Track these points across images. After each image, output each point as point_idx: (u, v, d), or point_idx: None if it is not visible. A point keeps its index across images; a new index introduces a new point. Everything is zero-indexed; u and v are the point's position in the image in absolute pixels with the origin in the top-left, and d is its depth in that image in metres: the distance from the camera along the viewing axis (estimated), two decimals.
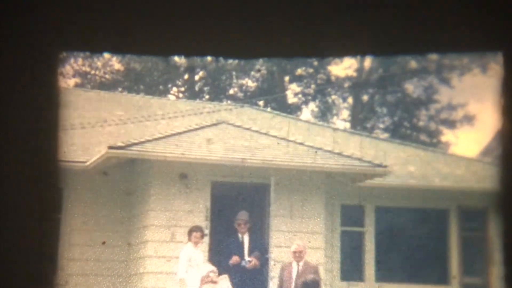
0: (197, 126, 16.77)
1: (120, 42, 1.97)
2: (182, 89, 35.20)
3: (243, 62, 30.43)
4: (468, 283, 17.80)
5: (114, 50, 2.04)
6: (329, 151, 16.38)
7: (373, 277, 17.07)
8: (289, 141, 16.69)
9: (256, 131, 16.97)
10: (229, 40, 1.97)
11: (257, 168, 15.21)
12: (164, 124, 18.57)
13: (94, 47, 2.00)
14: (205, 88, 35.15)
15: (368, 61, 33.30)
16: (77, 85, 31.90)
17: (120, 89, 33.24)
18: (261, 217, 15.42)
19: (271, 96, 33.31)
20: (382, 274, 17.02)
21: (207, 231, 14.51)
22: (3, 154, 1.86)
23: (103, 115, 18.57)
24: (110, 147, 14.82)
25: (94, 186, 15.58)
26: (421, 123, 34.36)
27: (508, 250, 1.83)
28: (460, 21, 1.89)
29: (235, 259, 13.76)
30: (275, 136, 16.92)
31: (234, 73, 35.05)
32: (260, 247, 14.24)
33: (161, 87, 34.51)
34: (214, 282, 12.86)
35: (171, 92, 35.13)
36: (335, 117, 35.41)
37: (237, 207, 15.39)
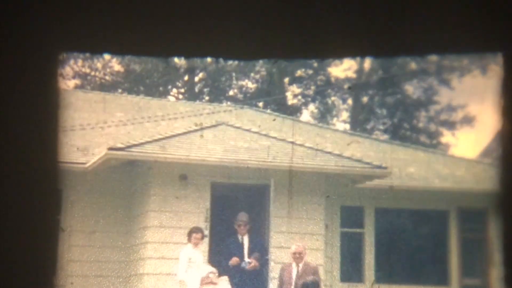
0: (197, 127, 16.76)
1: (120, 43, 1.97)
2: (182, 90, 35.19)
3: (243, 63, 30.43)
4: (468, 284, 17.80)
5: (114, 51, 2.04)
6: (329, 153, 16.38)
7: (372, 278, 17.07)
8: (289, 142, 16.69)
9: (256, 132, 16.97)
10: (229, 41, 1.97)
11: (257, 169, 15.21)
12: (164, 125, 18.57)
13: (94, 48, 2.00)
14: (205, 90, 35.15)
15: (368, 63, 33.30)
16: (77, 87, 31.90)
17: (120, 90, 33.23)
18: (261, 218, 15.41)
19: (271, 98, 33.31)
20: (382, 275, 17.01)
21: (207, 232, 14.50)
22: (3, 155, 1.86)
23: (103, 116, 18.57)
24: (110, 149, 14.82)
25: (93, 187, 15.58)
26: (421, 124, 34.35)
27: (508, 251, 1.83)
28: (460, 22, 1.89)
29: (235, 260, 13.76)
30: (275, 137, 16.91)
31: (234, 74, 35.05)
32: (260, 248, 14.24)
33: (161, 88, 34.51)
34: (214, 283, 12.86)
35: (171, 93, 35.12)
36: (335, 119, 35.42)
37: (237, 208, 15.39)
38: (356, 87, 34.09)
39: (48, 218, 1.87)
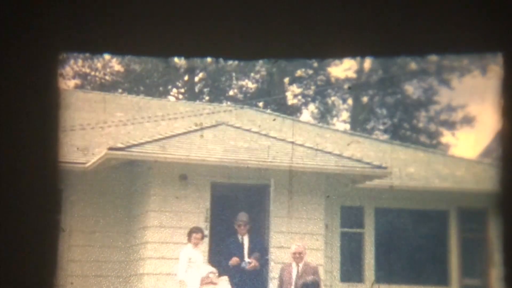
0: (197, 127, 16.76)
1: (120, 43, 1.97)
2: (182, 90, 35.19)
3: (243, 63, 30.42)
4: (468, 284, 17.80)
5: (114, 51, 2.04)
6: (329, 153, 16.38)
7: (372, 278, 17.07)
8: (289, 142, 16.69)
9: (256, 132, 16.97)
10: (229, 41, 1.97)
11: (257, 169, 15.21)
12: (164, 125, 18.56)
13: (94, 48, 2.00)
14: (205, 90, 35.14)
15: (368, 63, 33.29)
16: (77, 87, 31.89)
17: (120, 90, 33.23)
18: (261, 218, 15.41)
19: (271, 98, 33.30)
20: (382, 275, 17.01)
21: (207, 232, 14.50)
22: (3, 155, 1.86)
23: (103, 116, 18.56)
24: (110, 148, 14.81)
25: (93, 187, 15.57)
26: (421, 124, 34.34)
27: (508, 251, 1.83)
28: (460, 22, 1.89)
29: (235, 260, 13.76)
30: (274, 137, 16.91)
31: (234, 74, 35.05)
32: (260, 248, 14.24)
33: (161, 88, 34.50)
34: (214, 283, 12.86)
35: (171, 93, 35.12)
36: (335, 119, 35.41)
37: (237, 208, 15.39)
38: (356, 87, 34.10)
39: (48, 218, 1.87)
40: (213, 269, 13.14)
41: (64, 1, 1.88)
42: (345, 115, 35.34)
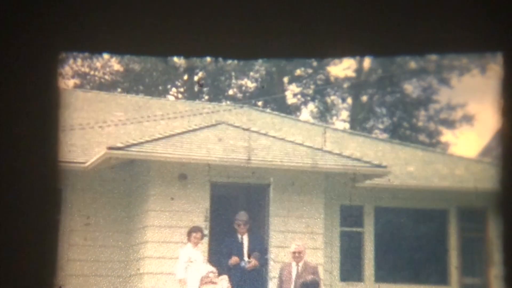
0: (196, 127, 16.76)
1: (120, 43, 1.97)
2: (182, 89, 35.19)
3: (242, 62, 30.43)
4: (468, 284, 17.80)
5: (114, 51, 2.04)
6: (329, 152, 16.38)
7: (372, 278, 17.07)
8: (288, 141, 16.69)
9: (256, 132, 16.97)
10: (228, 40, 1.97)
11: (257, 169, 15.21)
12: (164, 124, 18.56)
13: (94, 48, 2.00)
14: (205, 89, 35.15)
15: (367, 62, 33.30)
16: (76, 86, 31.89)
17: (119, 89, 33.23)
18: (261, 217, 15.41)
19: (270, 97, 33.31)
20: (382, 274, 17.02)
21: (206, 232, 14.50)
22: (2, 155, 1.86)
23: (103, 115, 18.57)
24: (110, 148, 14.81)
25: (93, 186, 15.57)
26: (420, 124, 34.35)
27: (508, 251, 1.83)
28: (460, 22, 1.89)
29: (234, 259, 13.76)
30: (274, 137, 16.91)
31: (233, 73, 35.05)
32: (260, 248, 14.24)
33: (160, 87, 34.50)
34: (214, 283, 12.86)
35: (171, 92, 35.12)
36: (334, 118, 35.41)
37: (236, 207, 15.39)
38: (355, 86, 34.10)
39: (48, 218, 1.87)
40: (213, 269, 13.14)
41: (64, 1, 1.88)
42: (344, 114, 35.35)
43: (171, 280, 13.89)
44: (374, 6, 1.91)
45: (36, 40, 1.86)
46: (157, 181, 14.96)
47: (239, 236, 14.09)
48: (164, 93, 34.35)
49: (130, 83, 34.20)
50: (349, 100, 35.05)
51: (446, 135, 34.08)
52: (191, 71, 34.45)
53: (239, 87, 35.19)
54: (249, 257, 13.84)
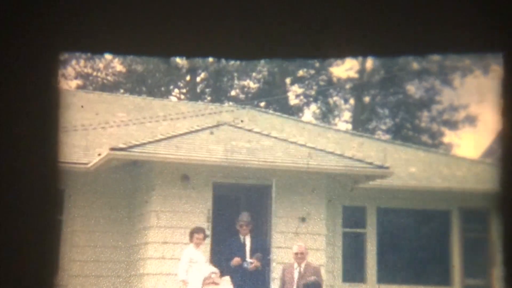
0: (198, 128, 16.77)
1: (122, 43, 1.97)
2: (184, 90, 35.22)
3: (244, 63, 30.43)
4: (470, 285, 17.79)
5: (116, 51, 2.04)
6: (331, 153, 16.37)
7: (374, 279, 17.06)
8: (290, 142, 16.69)
9: (258, 133, 16.97)
10: (230, 41, 1.96)
11: (259, 170, 15.21)
12: (166, 125, 18.57)
13: (96, 48, 2.00)
14: (207, 90, 35.16)
15: (369, 63, 33.31)
16: (78, 87, 31.94)
17: (121, 90, 33.27)
18: (263, 218, 15.41)
19: (272, 98, 33.31)
20: (384, 275, 17.01)
21: (208, 232, 14.50)
22: (4, 156, 1.86)
23: (105, 116, 18.58)
24: (112, 149, 14.81)
25: (95, 187, 15.58)
26: (422, 124, 34.35)
27: (510, 251, 1.83)
28: (461, 22, 1.89)
29: (236, 260, 13.75)
30: (276, 137, 16.91)
31: (235, 74, 35.07)
32: (262, 249, 14.23)
33: (162, 88, 34.53)
34: (216, 284, 12.85)
35: (173, 93, 35.15)
36: (336, 119, 35.42)
37: (238, 208, 15.39)
38: (358, 87, 34.10)
39: (49, 218, 1.87)
40: (215, 269, 13.12)
41: (64, 1, 1.88)
42: (347, 115, 35.37)
43: (172, 280, 13.88)
44: (375, 7, 1.91)
45: (36, 40, 1.86)
46: (159, 182, 14.96)
47: (241, 237, 14.08)
48: (166, 94, 34.38)
49: (132, 84, 34.23)
50: (352, 101, 35.07)
51: (449, 136, 34.09)
52: (193, 72, 34.48)
53: (242, 88, 35.20)
54: (251, 258, 13.83)
